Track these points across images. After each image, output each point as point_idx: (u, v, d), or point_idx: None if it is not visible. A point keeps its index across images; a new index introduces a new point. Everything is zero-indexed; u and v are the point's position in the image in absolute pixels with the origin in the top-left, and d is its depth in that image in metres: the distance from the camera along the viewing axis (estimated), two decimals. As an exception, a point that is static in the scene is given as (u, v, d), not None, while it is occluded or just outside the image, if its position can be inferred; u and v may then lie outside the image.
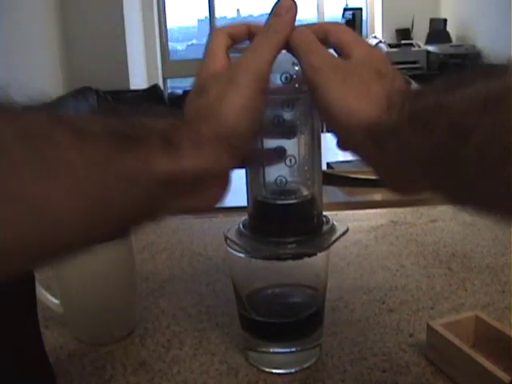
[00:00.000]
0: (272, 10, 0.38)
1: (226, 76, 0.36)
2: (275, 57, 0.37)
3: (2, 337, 0.44)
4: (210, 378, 0.51)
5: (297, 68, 0.41)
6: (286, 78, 0.42)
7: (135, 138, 0.29)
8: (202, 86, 0.37)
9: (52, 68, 4.41)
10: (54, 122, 0.27)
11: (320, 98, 0.36)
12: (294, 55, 0.39)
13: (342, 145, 0.38)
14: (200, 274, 0.71)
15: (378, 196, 1.46)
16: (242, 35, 0.40)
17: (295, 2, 0.38)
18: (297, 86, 0.41)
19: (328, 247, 0.46)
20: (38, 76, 4.12)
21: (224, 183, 0.36)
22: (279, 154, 0.43)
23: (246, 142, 0.36)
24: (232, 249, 0.48)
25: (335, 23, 0.40)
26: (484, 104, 0.27)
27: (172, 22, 5.62)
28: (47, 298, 0.58)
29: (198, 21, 5.89)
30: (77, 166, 0.27)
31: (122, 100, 4.66)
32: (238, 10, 6.00)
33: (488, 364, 0.44)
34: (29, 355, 0.47)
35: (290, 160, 0.43)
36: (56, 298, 0.58)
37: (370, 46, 0.39)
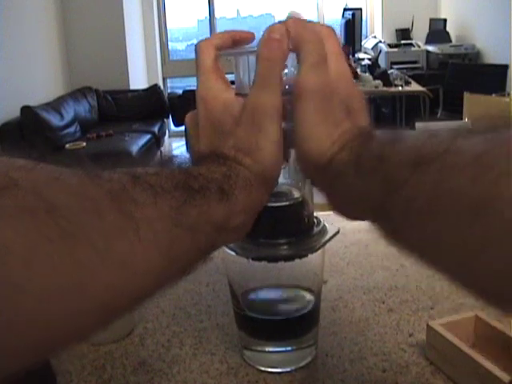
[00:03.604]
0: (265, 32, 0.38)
1: (249, 120, 0.37)
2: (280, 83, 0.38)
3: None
4: (210, 378, 0.51)
5: (286, 70, 0.41)
6: None
7: (197, 189, 0.32)
8: (217, 121, 0.38)
9: (52, 68, 4.41)
10: (133, 182, 0.30)
11: (295, 118, 0.38)
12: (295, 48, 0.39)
13: (302, 171, 0.41)
14: (200, 274, 0.71)
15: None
16: (227, 45, 0.41)
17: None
18: (287, 87, 0.42)
19: (318, 249, 0.46)
20: (39, 76, 4.12)
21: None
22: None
23: (278, 176, 0.39)
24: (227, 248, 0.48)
25: (329, 28, 0.41)
26: (416, 162, 0.30)
27: (172, 23, 5.62)
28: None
29: (198, 21, 5.89)
30: (154, 221, 0.29)
31: (122, 100, 4.67)
32: (237, 11, 6.00)
33: (487, 364, 0.45)
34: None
35: None
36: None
37: (346, 66, 0.41)
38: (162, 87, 5.07)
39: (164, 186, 0.31)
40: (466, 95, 3.02)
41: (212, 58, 0.40)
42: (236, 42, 0.41)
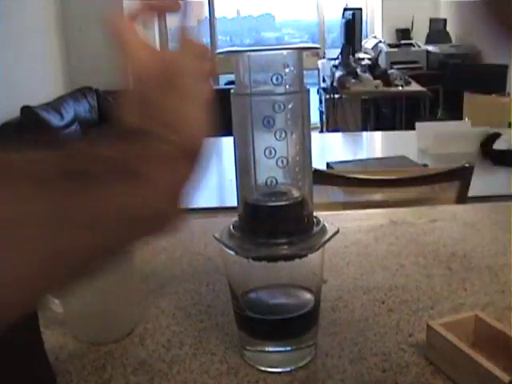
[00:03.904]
0: None
1: (173, 88, 0.34)
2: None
3: (2, 337, 0.44)
4: (210, 378, 0.51)
5: (287, 70, 0.41)
6: (277, 78, 0.42)
7: (94, 175, 0.27)
8: (143, 90, 0.35)
9: (52, 68, 4.41)
10: (2, 174, 0.25)
11: None
12: None
13: None
14: (200, 274, 0.71)
15: (377, 196, 1.46)
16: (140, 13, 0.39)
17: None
18: (287, 87, 0.41)
19: (318, 248, 0.46)
20: (39, 76, 4.12)
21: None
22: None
23: (202, 148, 0.33)
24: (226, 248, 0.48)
25: None
26: None
27: (172, 23, 5.62)
28: (47, 297, 0.58)
29: (198, 21, 5.89)
30: (40, 220, 0.25)
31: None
32: (237, 11, 6.00)
33: (487, 364, 0.44)
34: (29, 355, 0.47)
35: (282, 161, 0.44)
36: (56, 297, 0.58)
37: None
38: (162, 87, 5.07)
39: (51, 177, 0.26)
40: (466, 95, 3.02)
41: (132, 31, 0.37)
42: (158, 10, 0.39)
